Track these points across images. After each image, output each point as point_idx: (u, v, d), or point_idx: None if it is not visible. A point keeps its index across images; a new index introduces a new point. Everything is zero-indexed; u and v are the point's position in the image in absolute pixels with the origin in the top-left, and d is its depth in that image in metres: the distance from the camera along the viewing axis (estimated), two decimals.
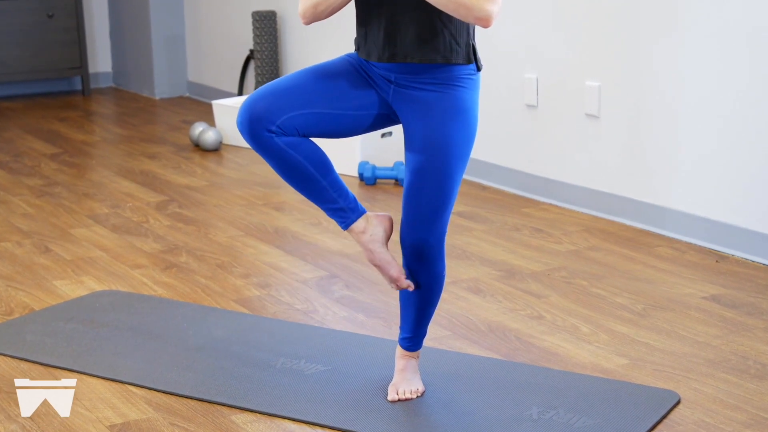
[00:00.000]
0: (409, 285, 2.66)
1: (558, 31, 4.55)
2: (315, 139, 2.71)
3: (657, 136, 4.17)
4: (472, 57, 2.54)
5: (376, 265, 2.64)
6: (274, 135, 2.50)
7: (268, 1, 6.57)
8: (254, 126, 2.49)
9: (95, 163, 5.60)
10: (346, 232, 2.66)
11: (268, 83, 2.55)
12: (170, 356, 3.06)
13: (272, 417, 2.72)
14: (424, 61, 2.50)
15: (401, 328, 2.78)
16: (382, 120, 2.61)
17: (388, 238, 2.64)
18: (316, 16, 2.51)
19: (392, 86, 2.55)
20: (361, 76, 2.58)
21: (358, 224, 2.60)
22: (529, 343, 3.16)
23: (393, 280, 2.65)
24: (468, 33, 2.53)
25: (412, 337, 2.78)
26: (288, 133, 2.51)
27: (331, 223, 4.33)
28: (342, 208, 2.59)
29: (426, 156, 2.54)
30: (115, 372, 2.96)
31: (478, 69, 2.57)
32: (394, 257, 2.65)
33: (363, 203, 4.64)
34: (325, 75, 2.57)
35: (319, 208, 2.65)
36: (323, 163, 2.55)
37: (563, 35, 4.53)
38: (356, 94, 2.57)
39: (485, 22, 2.38)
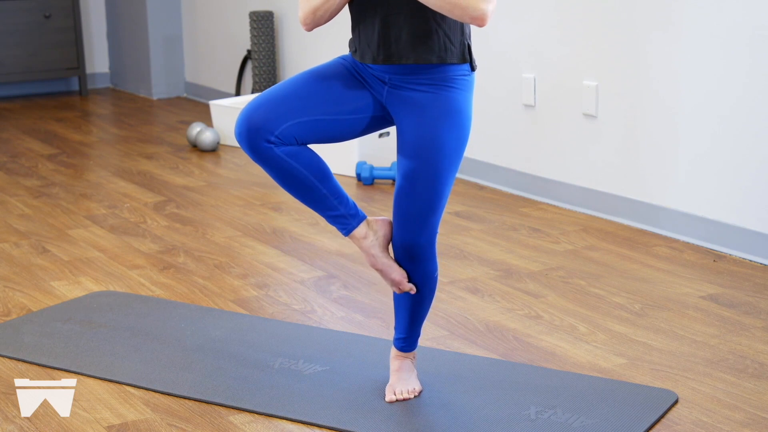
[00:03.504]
0: (411, 288, 2.66)
1: (556, 31, 4.55)
2: (312, 146, 2.71)
3: (655, 136, 4.17)
4: (466, 56, 2.54)
5: (378, 269, 2.65)
6: (273, 146, 2.49)
7: (265, 1, 6.56)
8: (253, 137, 2.49)
9: (92, 164, 5.60)
10: (347, 237, 2.66)
11: (264, 92, 2.54)
12: (168, 357, 3.05)
13: (270, 417, 2.72)
14: (419, 61, 2.50)
15: (395, 328, 2.78)
16: (377, 122, 2.61)
17: (389, 242, 2.66)
18: (316, 22, 2.52)
19: (386, 87, 2.55)
20: (355, 79, 2.58)
21: (360, 230, 2.62)
22: (527, 343, 3.16)
23: (395, 284, 2.66)
24: (462, 32, 2.53)
25: (406, 338, 2.78)
26: (287, 143, 2.51)
27: (329, 224, 4.33)
28: (343, 215, 2.60)
29: (418, 157, 2.54)
30: (112, 373, 2.95)
31: (473, 69, 2.57)
32: (395, 260, 2.66)
33: (360, 203, 4.65)
34: (321, 79, 2.56)
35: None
36: (322, 170, 2.56)
37: (561, 35, 4.53)
38: (352, 97, 2.57)
39: (480, 21, 2.38)
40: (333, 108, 2.55)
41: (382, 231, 2.64)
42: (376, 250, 2.63)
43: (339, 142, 2.65)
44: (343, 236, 4.16)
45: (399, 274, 2.64)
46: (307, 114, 2.52)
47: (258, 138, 2.49)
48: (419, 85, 2.53)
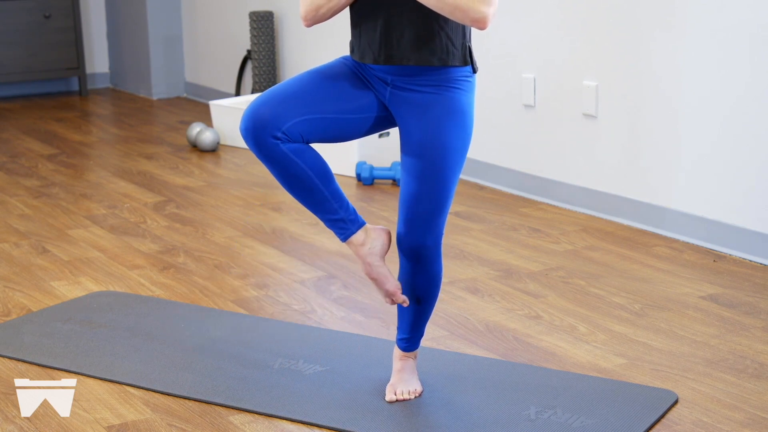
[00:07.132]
0: (405, 300, 2.65)
1: (555, 31, 4.55)
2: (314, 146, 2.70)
3: (655, 136, 4.17)
4: (468, 59, 2.54)
5: (372, 279, 2.62)
6: (279, 142, 2.47)
7: (265, 1, 6.56)
8: (259, 133, 2.47)
9: (92, 164, 5.60)
10: (344, 243, 2.64)
11: (271, 89, 2.52)
12: (168, 357, 3.05)
13: (270, 417, 2.72)
14: (420, 63, 2.50)
15: (399, 328, 2.78)
16: (380, 122, 2.61)
17: (385, 251, 2.63)
18: (317, 19, 2.51)
19: (389, 88, 2.55)
20: (358, 79, 2.58)
21: (358, 236, 2.58)
22: (527, 343, 3.16)
23: (389, 295, 2.64)
24: (464, 35, 2.53)
25: (410, 338, 2.78)
26: (293, 140, 2.49)
27: None
28: (342, 219, 2.57)
29: (423, 158, 2.54)
30: (112, 373, 2.95)
31: (474, 71, 2.57)
32: (390, 272, 2.64)
33: (360, 203, 4.65)
34: (326, 78, 2.55)
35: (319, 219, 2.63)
36: (325, 172, 2.54)
37: (561, 35, 4.53)
38: (357, 96, 2.56)
39: (481, 24, 2.38)
40: (339, 106, 2.54)
41: (380, 240, 2.61)
42: (373, 259, 2.60)
43: (342, 142, 2.64)
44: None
45: (393, 285, 2.62)
46: (314, 111, 2.51)
47: (264, 134, 2.46)
48: (422, 86, 2.53)
